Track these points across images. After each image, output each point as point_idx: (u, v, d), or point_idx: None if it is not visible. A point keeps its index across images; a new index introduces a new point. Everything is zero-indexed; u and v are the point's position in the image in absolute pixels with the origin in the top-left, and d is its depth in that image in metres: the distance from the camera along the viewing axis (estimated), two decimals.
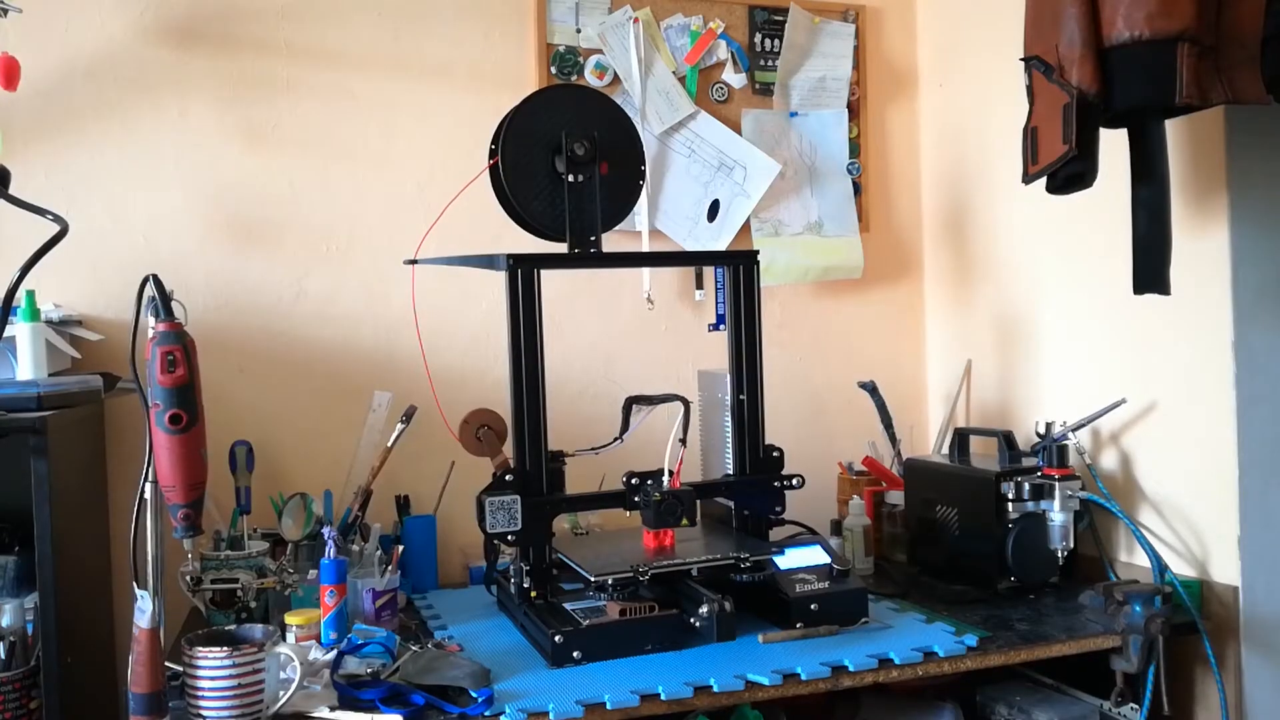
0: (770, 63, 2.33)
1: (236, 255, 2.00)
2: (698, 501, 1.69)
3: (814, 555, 1.74)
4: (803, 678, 1.49)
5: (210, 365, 1.38)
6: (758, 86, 2.32)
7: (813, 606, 1.65)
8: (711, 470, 1.93)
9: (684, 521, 1.66)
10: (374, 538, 1.83)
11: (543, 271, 1.67)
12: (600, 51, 2.20)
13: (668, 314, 2.28)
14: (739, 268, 1.78)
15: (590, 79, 2.20)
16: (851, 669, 1.51)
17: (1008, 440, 1.95)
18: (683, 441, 1.70)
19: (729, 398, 1.80)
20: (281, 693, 1.39)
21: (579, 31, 2.19)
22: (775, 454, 1.80)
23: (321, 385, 2.05)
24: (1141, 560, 1.86)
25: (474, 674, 1.46)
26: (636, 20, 2.21)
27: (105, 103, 1.93)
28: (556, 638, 1.52)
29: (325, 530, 1.69)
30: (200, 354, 1.30)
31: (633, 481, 1.71)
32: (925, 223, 2.49)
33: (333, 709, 1.40)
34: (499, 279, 1.68)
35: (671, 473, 1.69)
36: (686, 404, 1.75)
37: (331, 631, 1.61)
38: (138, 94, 1.95)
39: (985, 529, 1.86)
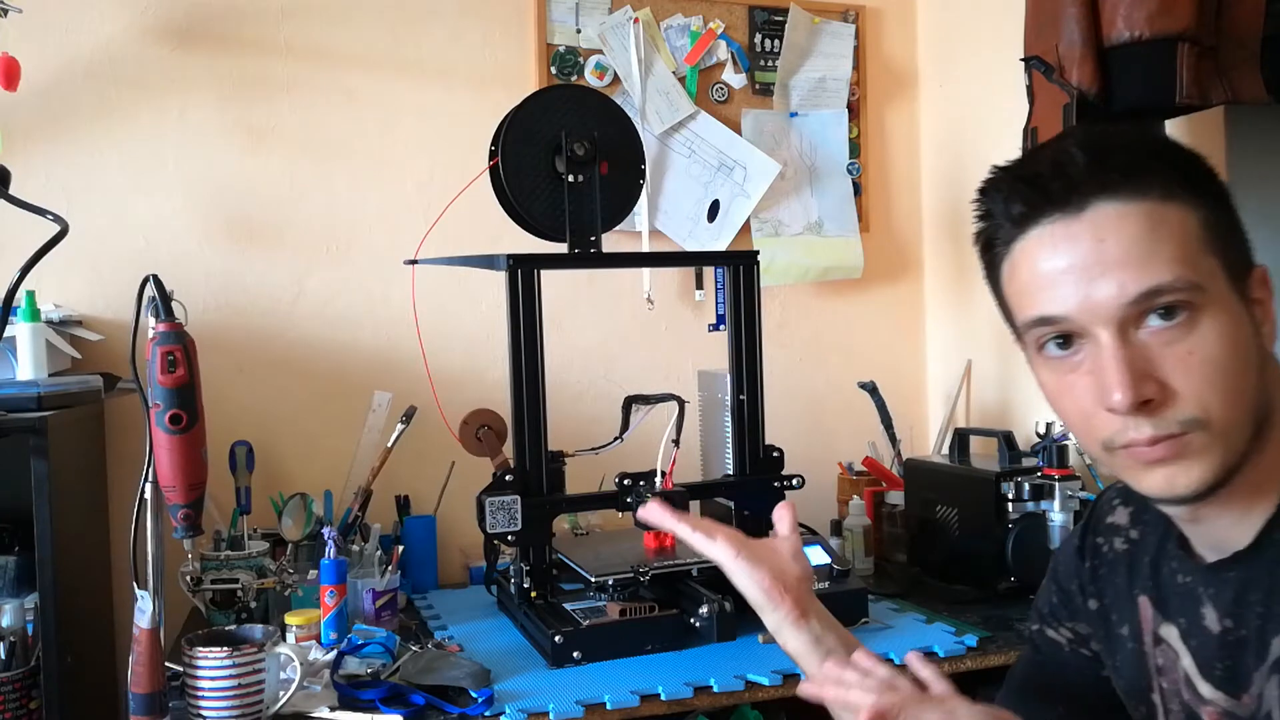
0: (770, 63, 2.33)
1: (236, 255, 2.00)
2: (690, 502, 1.68)
3: (814, 555, 1.73)
4: (803, 678, 1.49)
5: (210, 365, 1.38)
6: (758, 87, 2.32)
7: None
8: (711, 470, 1.93)
9: None
10: (374, 538, 1.83)
11: (543, 271, 1.67)
12: (600, 51, 2.20)
13: (668, 314, 2.28)
14: (739, 268, 1.78)
15: (590, 79, 2.19)
16: None
17: (1008, 440, 1.94)
18: (675, 443, 1.70)
19: (729, 398, 1.80)
20: (281, 693, 1.39)
21: (579, 32, 2.19)
22: (775, 454, 1.80)
23: (321, 385, 2.05)
24: None
25: (474, 674, 1.46)
26: (636, 20, 2.21)
27: (105, 103, 1.93)
28: (556, 638, 1.52)
29: (325, 530, 1.69)
30: (200, 354, 1.30)
31: (625, 483, 1.71)
32: (925, 223, 2.49)
33: (333, 709, 1.40)
34: (499, 279, 1.68)
35: (664, 474, 1.69)
36: (681, 404, 1.74)
37: (331, 631, 1.61)
38: (138, 94, 1.95)
39: (985, 529, 1.86)
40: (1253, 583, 0.81)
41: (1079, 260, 0.77)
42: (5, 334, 1.53)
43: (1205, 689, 0.86)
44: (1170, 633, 0.90)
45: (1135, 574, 0.94)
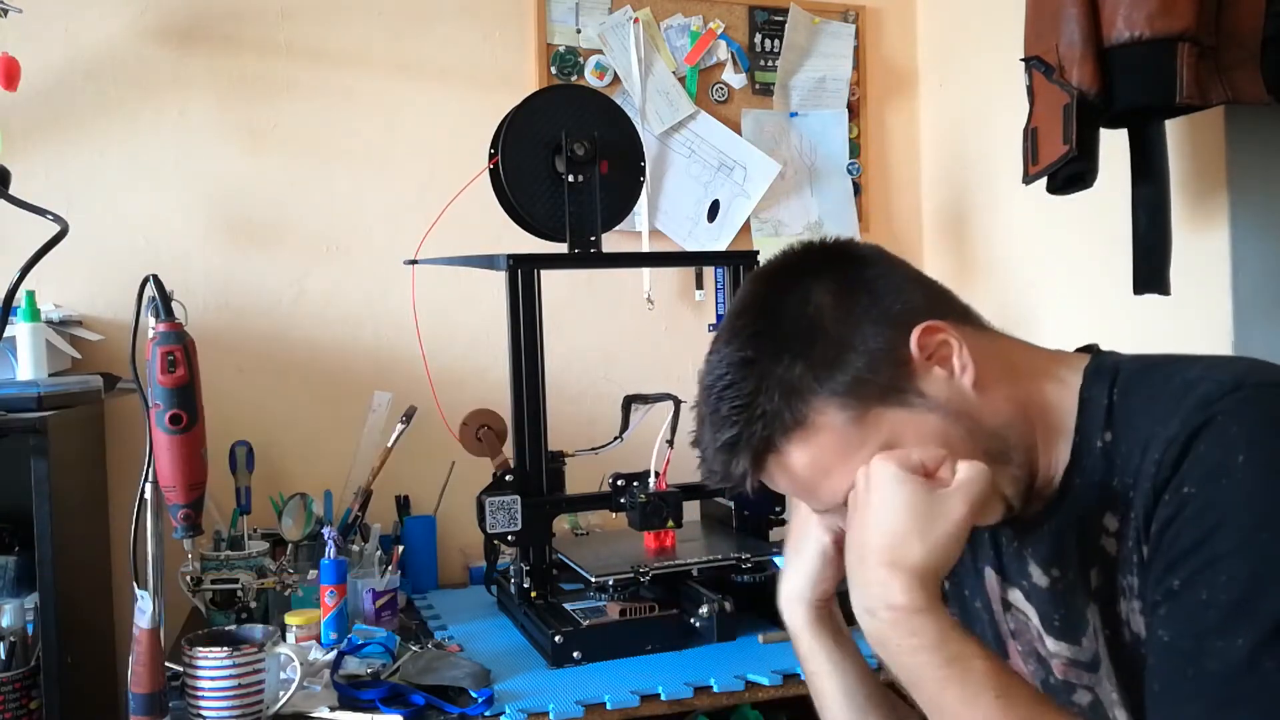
0: (770, 63, 2.33)
1: (236, 255, 2.00)
2: (683, 503, 1.68)
3: None
4: (803, 678, 1.48)
5: (210, 365, 1.38)
6: (758, 87, 2.32)
7: None
8: None
9: (669, 523, 1.65)
10: (374, 538, 1.83)
11: (543, 271, 1.67)
12: (600, 52, 2.20)
13: (668, 314, 2.28)
14: (739, 268, 1.78)
15: (590, 79, 2.19)
16: None
17: None
18: (669, 443, 1.69)
19: None
20: (281, 693, 1.39)
21: (579, 32, 2.19)
22: None
23: (321, 385, 2.05)
24: None
25: (474, 674, 1.46)
26: (636, 20, 2.21)
27: (105, 103, 1.93)
28: (556, 638, 1.52)
29: (325, 530, 1.69)
30: (200, 354, 1.30)
31: (619, 483, 1.70)
32: (925, 223, 2.48)
33: (333, 709, 1.40)
34: (499, 279, 1.68)
35: (658, 474, 1.68)
36: (677, 404, 1.74)
37: (331, 631, 1.61)
38: (138, 94, 1.95)
39: None
40: (1066, 528, 0.88)
41: None
42: (5, 334, 1.53)
43: (1050, 643, 0.93)
44: (1017, 596, 0.96)
45: (978, 548, 1.01)
